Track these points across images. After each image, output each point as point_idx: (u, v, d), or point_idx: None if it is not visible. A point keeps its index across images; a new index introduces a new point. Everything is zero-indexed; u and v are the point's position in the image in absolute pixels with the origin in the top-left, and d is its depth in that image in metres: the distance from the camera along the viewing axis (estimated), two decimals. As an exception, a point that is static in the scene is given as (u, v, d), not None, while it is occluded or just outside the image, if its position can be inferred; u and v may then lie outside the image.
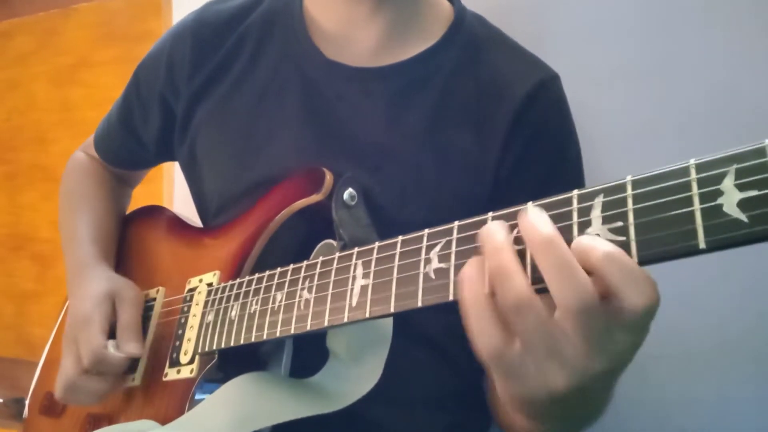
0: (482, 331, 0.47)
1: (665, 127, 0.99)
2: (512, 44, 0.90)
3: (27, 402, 1.04)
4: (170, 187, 1.48)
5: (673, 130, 0.98)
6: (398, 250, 0.58)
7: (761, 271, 0.92)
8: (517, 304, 0.45)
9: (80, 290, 0.89)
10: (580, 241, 0.44)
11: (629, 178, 0.44)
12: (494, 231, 0.47)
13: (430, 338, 0.83)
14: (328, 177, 0.77)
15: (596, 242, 0.43)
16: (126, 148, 1.06)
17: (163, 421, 0.76)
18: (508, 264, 0.45)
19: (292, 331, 0.65)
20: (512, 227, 0.48)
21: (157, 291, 0.90)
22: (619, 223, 0.44)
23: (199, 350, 0.77)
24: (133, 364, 0.85)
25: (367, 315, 0.58)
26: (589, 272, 0.44)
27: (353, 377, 0.73)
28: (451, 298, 0.52)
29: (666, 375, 0.99)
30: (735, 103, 0.95)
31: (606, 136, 1.02)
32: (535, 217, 0.46)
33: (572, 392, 0.46)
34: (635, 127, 1.01)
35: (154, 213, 1.06)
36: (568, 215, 0.47)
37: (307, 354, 0.77)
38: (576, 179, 0.88)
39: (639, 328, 0.44)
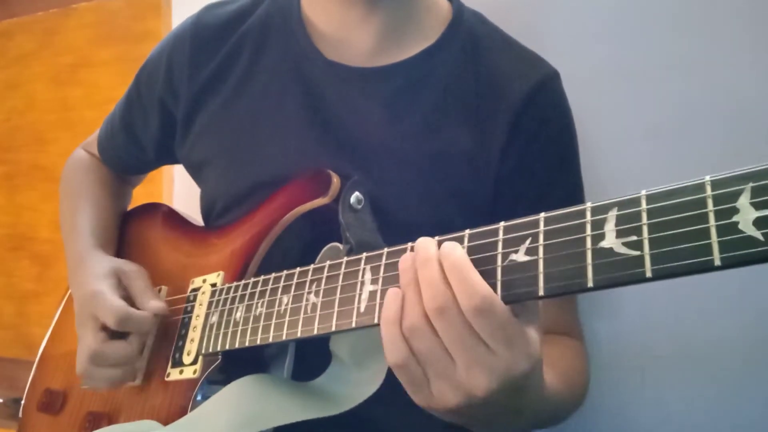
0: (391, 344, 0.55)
1: (665, 128, 0.99)
2: (512, 42, 0.90)
3: (23, 399, 1.03)
4: (170, 187, 1.48)
5: (673, 130, 0.98)
6: (408, 256, 0.58)
7: (759, 272, 0.92)
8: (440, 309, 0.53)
9: (81, 277, 0.90)
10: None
11: (644, 192, 0.44)
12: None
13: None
14: (335, 180, 0.77)
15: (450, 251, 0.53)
16: (128, 153, 1.06)
17: (165, 422, 0.76)
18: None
19: (299, 335, 0.65)
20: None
21: (159, 290, 0.90)
22: (634, 237, 0.44)
23: (203, 351, 0.77)
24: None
25: (376, 321, 0.58)
26: None
27: (356, 381, 0.73)
28: None
29: (666, 375, 0.99)
30: (735, 103, 0.95)
31: (606, 136, 1.02)
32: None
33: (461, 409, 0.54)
34: (635, 127, 1.01)
35: (155, 210, 1.06)
36: (581, 227, 0.47)
37: (310, 357, 0.77)
38: (575, 178, 0.89)
39: (492, 335, 0.51)
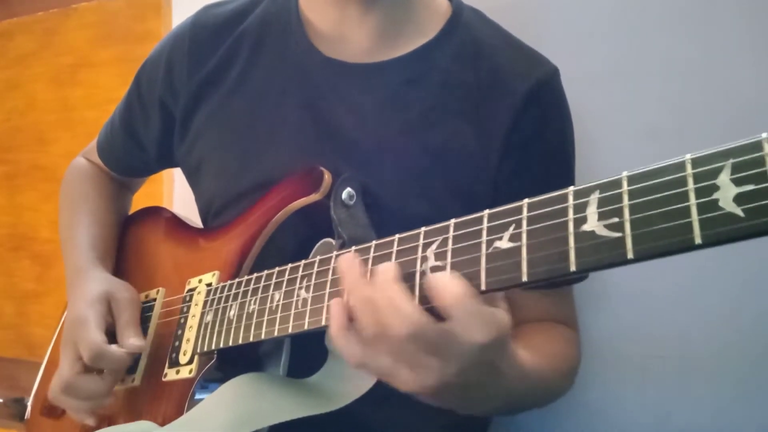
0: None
1: (665, 128, 0.98)
2: (511, 39, 0.90)
3: (29, 403, 1.04)
4: (170, 188, 1.48)
5: (672, 130, 0.98)
6: (395, 248, 0.58)
7: (759, 272, 0.92)
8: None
9: (76, 294, 0.89)
10: (433, 280, 0.52)
11: (625, 174, 0.44)
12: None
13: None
14: (327, 176, 0.77)
15: (447, 284, 0.51)
16: (129, 154, 1.06)
17: (163, 422, 0.76)
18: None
19: (290, 331, 0.65)
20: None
21: (157, 292, 0.90)
22: (615, 219, 0.44)
23: (198, 350, 0.77)
24: (132, 364, 0.85)
25: (365, 314, 0.58)
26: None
27: (351, 377, 0.73)
28: None
29: (665, 375, 0.99)
30: (735, 103, 0.94)
31: (606, 136, 1.01)
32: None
33: (440, 389, 0.55)
34: (635, 127, 1.00)
35: (154, 214, 1.06)
36: (563, 212, 0.47)
37: (306, 354, 0.77)
38: (571, 177, 0.89)
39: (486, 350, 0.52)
